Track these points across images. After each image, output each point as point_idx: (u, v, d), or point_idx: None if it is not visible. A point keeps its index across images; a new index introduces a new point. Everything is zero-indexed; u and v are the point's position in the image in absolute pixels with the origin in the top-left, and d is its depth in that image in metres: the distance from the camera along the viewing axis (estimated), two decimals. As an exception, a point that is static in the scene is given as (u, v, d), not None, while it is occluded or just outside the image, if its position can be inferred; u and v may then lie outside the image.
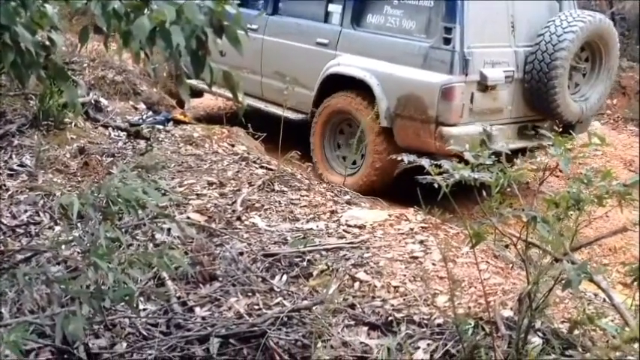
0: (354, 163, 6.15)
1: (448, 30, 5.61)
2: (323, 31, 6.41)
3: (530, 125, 6.14)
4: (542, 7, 6.16)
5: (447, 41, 5.61)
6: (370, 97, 5.93)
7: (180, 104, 7.44)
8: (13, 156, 4.83)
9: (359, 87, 6.04)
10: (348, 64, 6.15)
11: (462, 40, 5.58)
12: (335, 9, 6.41)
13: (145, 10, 2.22)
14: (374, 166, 5.90)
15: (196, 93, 7.21)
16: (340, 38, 6.28)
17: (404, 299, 3.24)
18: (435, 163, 2.47)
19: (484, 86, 5.71)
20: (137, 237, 3.77)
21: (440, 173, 2.45)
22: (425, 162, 2.47)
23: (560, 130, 6.11)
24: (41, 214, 4.05)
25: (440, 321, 3.00)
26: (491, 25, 5.84)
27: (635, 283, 2.53)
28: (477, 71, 5.67)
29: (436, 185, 2.44)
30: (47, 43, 2.39)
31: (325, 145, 6.40)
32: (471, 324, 2.85)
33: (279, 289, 3.42)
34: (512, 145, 5.65)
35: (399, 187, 6.08)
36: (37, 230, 3.85)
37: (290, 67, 6.43)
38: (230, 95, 2.33)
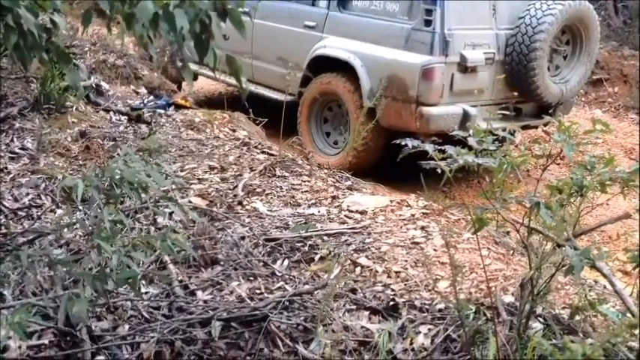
0: (337, 142, 6.37)
1: (429, 12, 5.75)
2: (311, 14, 6.56)
3: (512, 106, 6.20)
4: None
5: (428, 23, 5.75)
6: (355, 78, 6.07)
7: (178, 87, 7.48)
8: (15, 139, 4.83)
9: (344, 68, 6.18)
10: (333, 46, 6.29)
11: (442, 22, 5.72)
12: None
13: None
14: (357, 147, 6.00)
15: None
16: (327, 21, 6.44)
17: (405, 284, 3.25)
18: (439, 148, 2.47)
19: (464, 67, 5.86)
20: (139, 220, 3.78)
21: (443, 159, 2.45)
22: (429, 147, 2.47)
23: (540, 112, 6.36)
24: (43, 197, 4.06)
25: (441, 306, 3.02)
26: (472, 8, 5.98)
27: (637, 270, 2.54)
28: (457, 53, 5.82)
29: (439, 171, 2.44)
30: (49, 25, 2.38)
31: (312, 126, 6.54)
32: (472, 309, 2.86)
33: (280, 274, 3.43)
34: (494, 125, 5.65)
35: (397, 171, 6.09)
36: (39, 213, 3.86)
37: (279, 49, 6.52)
38: (229, 80, 2.33)
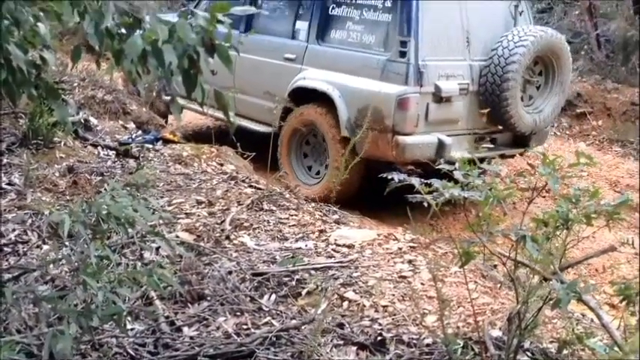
0: (318, 173, 6.48)
1: (403, 43, 5.90)
2: (290, 47, 6.72)
3: (487, 136, 6.41)
4: (497, 22, 6.44)
5: (403, 54, 5.91)
6: (333, 109, 6.20)
7: (165, 121, 7.54)
8: (2, 174, 4.80)
9: (322, 99, 6.30)
10: (312, 77, 6.44)
11: (416, 53, 5.89)
12: (302, 26, 6.74)
13: (138, 30, 2.24)
14: (336, 175, 6.00)
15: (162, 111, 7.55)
16: (306, 53, 6.60)
17: (393, 319, 3.24)
18: (426, 182, 2.48)
19: (439, 97, 5.99)
20: (126, 256, 3.75)
21: (430, 192, 2.47)
22: (415, 181, 2.49)
23: (516, 142, 6.49)
24: (29, 232, 4.03)
25: (429, 341, 3.00)
26: (446, 40, 6.13)
27: (624, 304, 2.55)
28: (431, 83, 5.96)
29: (426, 204, 2.46)
30: (39, 61, 2.39)
31: (292, 156, 6.65)
32: (460, 344, 2.85)
33: (267, 309, 3.41)
34: (469, 155, 5.79)
35: (384, 204, 6.11)
36: (25, 249, 3.83)
37: (260, 81, 6.66)
38: (217, 114, 2.35)
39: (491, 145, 6.48)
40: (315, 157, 6.62)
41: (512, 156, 6.89)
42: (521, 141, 6.63)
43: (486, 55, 6.24)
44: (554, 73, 6.58)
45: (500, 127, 6.35)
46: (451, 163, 2.61)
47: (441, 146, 5.95)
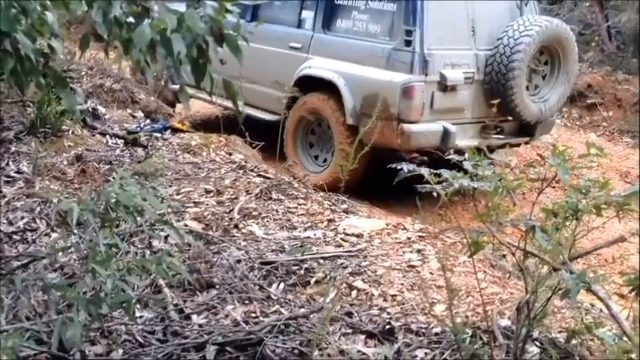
0: (325, 160, 6.53)
1: (409, 32, 5.96)
2: (296, 36, 6.77)
3: (492, 125, 6.42)
4: (503, 12, 6.48)
5: (408, 43, 5.96)
6: (338, 97, 6.23)
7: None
8: (10, 163, 4.83)
9: (328, 88, 6.34)
10: (318, 66, 6.48)
11: (421, 42, 5.93)
12: (307, 15, 6.78)
13: (146, 19, 2.23)
14: (341, 164, 6.02)
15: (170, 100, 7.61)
16: (312, 42, 6.65)
17: (401, 308, 3.24)
18: (435, 172, 2.47)
19: (444, 86, 6.03)
20: (134, 244, 3.76)
21: (439, 182, 2.46)
22: (424, 171, 2.48)
23: (522, 130, 6.54)
24: (38, 220, 4.04)
25: (437, 330, 3.00)
26: (451, 29, 6.18)
27: (633, 294, 2.53)
28: (436, 72, 6.00)
29: (435, 194, 2.45)
30: (47, 50, 2.39)
31: (297, 144, 6.70)
32: (468, 333, 2.85)
33: (276, 297, 3.41)
34: (474, 143, 5.88)
35: (393, 193, 6.10)
36: (33, 237, 3.84)
37: (266, 70, 6.69)
38: (226, 103, 2.35)
39: (500, 136, 6.49)
40: (321, 144, 6.67)
41: (518, 145, 6.92)
42: (527, 130, 6.65)
43: (492, 45, 6.26)
44: (559, 63, 6.61)
45: (507, 116, 6.35)
46: (461, 153, 2.61)
47: (446, 134, 6.00)
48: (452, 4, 6.19)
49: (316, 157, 6.70)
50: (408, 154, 6.24)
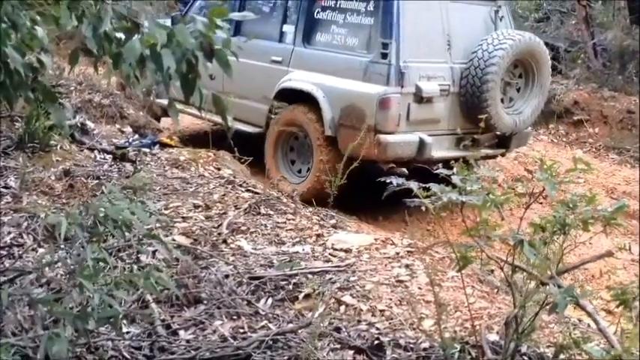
0: (304, 171, 6.62)
1: (385, 45, 6.07)
2: (277, 50, 6.88)
3: (468, 136, 6.48)
4: (478, 26, 6.65)
5: (384, 56, 6.07)
6: (317, 109, 6.36)
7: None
8: (-2, 177, 4.80)
9: (307, 100, 6.45)
10: (298, 79, 6.61)
11: (397, 55, 6.06)
12: (288, 29, 6.92)
13: (136, 34, 2.24)
14: (320, 175, 6.21)
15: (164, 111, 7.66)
16: (292, 56, 6.78)
17: (390, 323, 3.23)
18: (424, 186, 2.49)
19: (420, 98, 6.15)
20: (122, 259, 3.74)
21: (428, 196, 2.47)
22: (413, 185, 2.49)
23: (497, 143, 6.64)
24: (25, 235, 4.01)
25: (426, 345, 3.00)
26: (427, 43, 6.32)
27: (620, 309, 2.55)
28: (412, 84, 6.12)
29: (424, 208, 2.46)
30: (36, 65, 2.39)
31: (278, 155, 6.78)
32: (457, 348, 2.85)
33: (264, 312, 3.40)
34: (450, 154, 6.13)
35: (383, 208, 6.11)
36: (20, 252, 3.81)
37: (248, 84, 6.70)
38: (214, 118, 2.35)
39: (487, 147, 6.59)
40: (301, 156, 6.77)
41: (495, 156, 7.04)
42: (502, 142, 6.78)
43: (467, 58, 6.41)
44: (533, 76, 6.76)
45: (482, 128, 6.47)
46: (449, 167, 2.62)
47: (422, 145, 6.11)
48: (428, 19, 6.35)
49: (296, 168, 6.82)
50: (385, 164, 6.32)
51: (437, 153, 6.19)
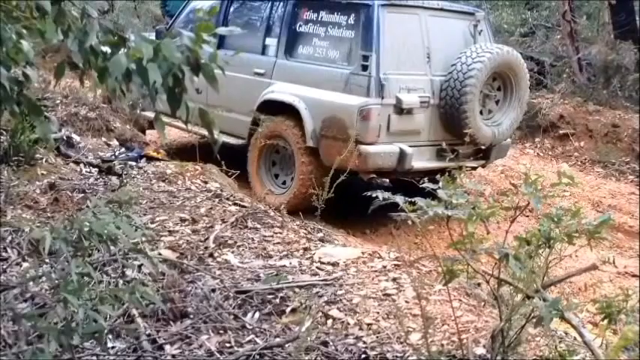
0: (286, 182, 6.75)
1: (365, 58, 6.22)
2: (260, 62, 7.01)
3: (448, 148, 6.57)
4: (457, 40, 6.81)
5: (365, 68, 6.22)
6: (299, 120, 6.48)
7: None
8: (-18, 191, 4.75)
9: (290, 111, 6.58)
10: (280, 90, 6.74)
11: (377, 67, 6.20)
12: (271, 42, 7.06)
13: (122, 49, 2.24)
14: (302, 185, 6.36)
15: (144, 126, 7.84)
16: (275, 68, 6.92)
17: (377, 337, 3.23)
18: (410, 200, 2.50)
19: (400, 109, 6.29)
20: (107, 273, 3.71)
21: (414, 210, 2.48)
22: (399, 199, 2.49)
23: (477, 154, 6.78)
24: (9, 250, 3.97)
25: (413, 358, 3.00)
26: (407, 55, 6.48)
27: (605, 322, 2.56)
28: (392, 95, 6.26)
29: (410, 222, 2.46)
30: (21, 78, 2.38)
31: (261, 166, 6.90)
32: (444, 362, 2.85)
33: (251, 327, 3.39)
34: (430, 165, 6.35)
35: (370, 222, 6.12)
36: (4, 266, 3.77)
37: (232, 96, 6.77)
38: (200, 131, 2.34)
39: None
40: (283, 166, 6.85)
41: (475, 168, 7.15)
42: (482, 154, 6.91)
43: (446, 71, 6.53)
44: (512, 89, 6.89)
45: (461, 140, 6.59)
46: (435, 181, 2.64)
47: (402, 156, 6.22)
48: (408, 32, 6.48)
49: (278, 178, 6.90)
50: (366, 175, 6.38)
51: (417, 164, 6.33)
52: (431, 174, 6.76)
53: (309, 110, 6.42)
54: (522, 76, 6.86)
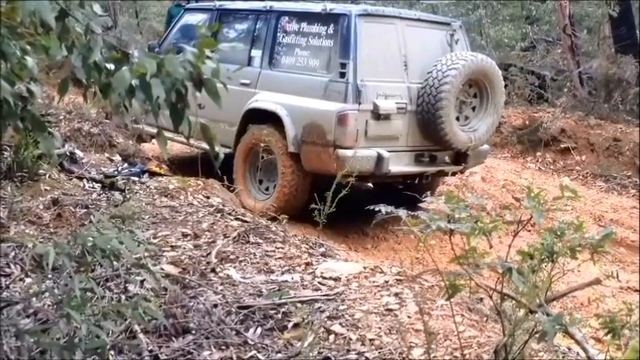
0: (270, 188, 6.96)
1: (343, 65, 6.47)
2: (246, 73, 7.17)
3: (427, 153, 6.93)
4: (434, 48, 7.05)
5: (342, 75, 6.46)
6: (281, 127, 6.72)
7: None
8: (-15, 207, 4.76)
9: (273, 119, 6.81)
10: (263, 99, 7.00)
11: (355, 74, 6.44)
12: (256, 53, 7.34)
13: (125, 65, 2.25)
14: (285, 190, 6.61)
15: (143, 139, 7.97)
16: (259, 78, 7.17)
17: (379, 352, 3.21)
18: (412, 214, 2.50)
19: (377, 115, 6.50)
20: (110, 289, 3.71)
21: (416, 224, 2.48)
22: (402, 213, 2.50)
23: (455, 159, 6.88)
24: (12, 265, 3.97)
25: (416, 374, 2.98)
26: (384, 63, 6.72)
27: (609, 337, 2.55)
28: (370, 101, 6.48)
29: (414, 236, 2.46)
30: (25, 94, 2.40)
31: (246, 174, 7.11)
32: (447, 377, 2.84)
33: (253, 342, 3.38)
34: (408, 169, 6.60)
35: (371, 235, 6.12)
36: (7, 282, 3.77)
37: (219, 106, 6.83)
38: (202, 145, 2.36)
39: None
40: (267, 173, 7.00)
41: (455, 173, 7.28)
42: (460, 159, 7.09)
43: (423, 78, 6.76)
44: (487, 96, 7.09)
45: (438, 145, 6.85)
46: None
47: (380, 160, 6.40)
48: (385, 41, 6.71)
49: (262, 185, 7.07)
50: (344, 178, 6.47)
51: (395, 168, 6.52)
52: (409, 178, 7.11)
53: (291, 117, 6.63)
54: (497, 83, 7.07)
